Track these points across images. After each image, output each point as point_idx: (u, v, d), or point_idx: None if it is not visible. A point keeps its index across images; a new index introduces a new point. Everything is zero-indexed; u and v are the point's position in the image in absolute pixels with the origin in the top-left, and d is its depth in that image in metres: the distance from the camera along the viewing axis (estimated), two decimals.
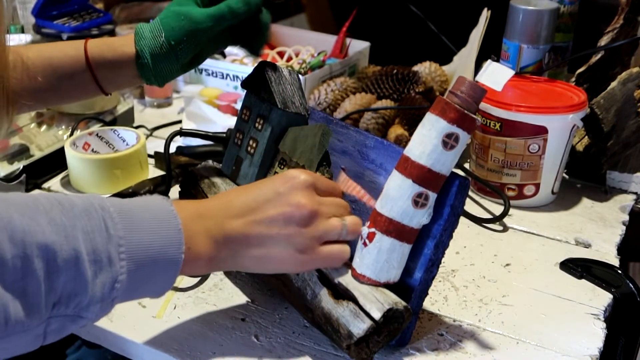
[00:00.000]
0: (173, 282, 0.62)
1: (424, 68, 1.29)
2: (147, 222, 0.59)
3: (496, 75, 0.68)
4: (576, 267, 0.89)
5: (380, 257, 0.71)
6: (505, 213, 1.01)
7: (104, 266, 0.56)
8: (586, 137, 1.09)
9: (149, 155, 1.13)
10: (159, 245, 0.59)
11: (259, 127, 0.84)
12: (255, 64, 0.89)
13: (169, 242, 0.60)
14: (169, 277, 0.61)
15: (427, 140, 0.68)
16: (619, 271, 0.86)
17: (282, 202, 0.67)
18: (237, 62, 1.38)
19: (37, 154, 1.07)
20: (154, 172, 1.12)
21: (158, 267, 0.59)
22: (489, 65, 0.69)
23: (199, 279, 0.85)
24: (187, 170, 0.93)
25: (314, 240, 0.68)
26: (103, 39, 0.88)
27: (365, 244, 0.72)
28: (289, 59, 1.39)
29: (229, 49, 1.43)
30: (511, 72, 0.69)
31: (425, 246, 0.72)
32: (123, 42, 0.84)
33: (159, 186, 1.02)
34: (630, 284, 0.84)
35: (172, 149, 1.09)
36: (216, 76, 1.37)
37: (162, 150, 1.12)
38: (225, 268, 0.70)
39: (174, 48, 0.82)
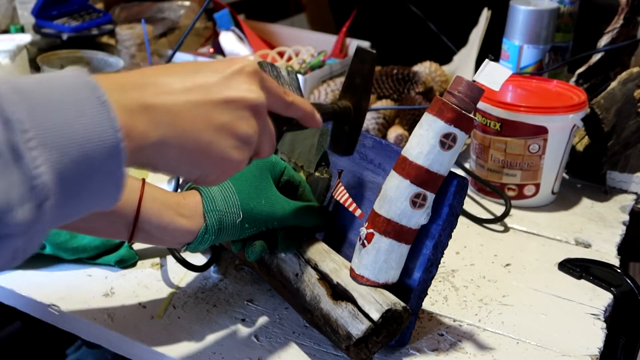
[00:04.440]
0: (121, 178, 0.47)
1: (424, 68, 1.29)
2: (57, 98, 0.44)
3: (494, 75, 0.68)
4: (575, 268, 0.89)
5: (379, 258, 0.71)
6: (506, 213, 1.01)
7: (8, 163, 0.41)
8: (586, 137, 1.09)
9: None
10: (81, 126, 0.44)
11: None
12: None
13: (97, 119, 0.45)
14: (111, 170, 0.47)
15: (424, 141, 0.68)
16: (618, 270, 0.86)
17: (227, 85, 0.56)
18: None
19: None
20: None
21: (91, 155, 0.45)
22: (487, 65, 0.69)
23: (199, 274, 0.85)
24: None
25: (240, 139, 0.56)
26: (163, 194, 0.74)
27: (363, 245, 0.72)
28: (289, 59, 1.39)
29: (230, 49, 1.43)
30: (509, 72, 0.69)
31: (424, 246, 0.72)
32: (186, 210, 0.73)
33: None
34: (630, 283, 0.84)
35: None
36: None
37: None
38: (144, 160, 0.52)
39: (244, 230, 0.74)
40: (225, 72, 0.56)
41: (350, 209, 0.75)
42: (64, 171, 0.44)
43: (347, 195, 0.76)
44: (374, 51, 0.70)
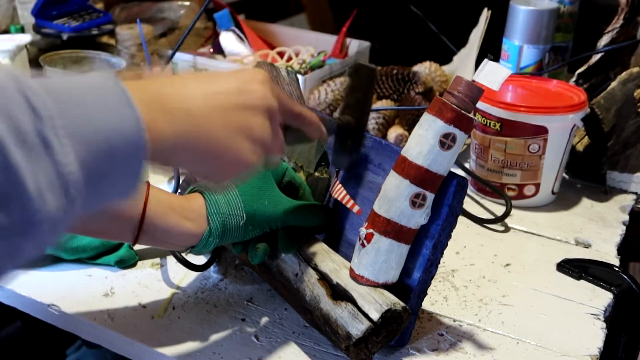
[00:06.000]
0: (141, 172, 0.49)
1: (424, 68, 1.29)
2: (84, 94, 0.46)
3: (493, 75, 0.68)
4: (573, 268, 0.89)
5: (379, 258, 0.71)
6: (507, 213, 1.01)
7: (37, 150, 0.42)
8: (586, 137, 1.09)
9: None
10: (107, 120, 0.46)
11: None
12: (254, 65, 0.88)
13: (121, 113, 0.47)
14: (133, 164, 0.48)
15: (424, 141, 0.68)
16: (617, 269, 0.87)
17: (245, 91, 0.58)
18: (238, 62, 1.38)
19: None
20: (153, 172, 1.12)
21: (115, 148, 0.46)
22: (486, 65, 0.69)
23: (199, 274, 0.85)
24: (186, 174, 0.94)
25: (255, 139, 0.58)
26: (167, 196, 0.74)
27: (363, 245, 0.72)
28: (289, 59, 1.39)
29: (230, 49, 1.43)
30: (508, 72, 0.69)
31: (424, 246, 0.72)
32: (190, 213, 0.73)
33: None
34: (630, 281, 0.84)
35: None
36: None
37: None
38: (161, 159, 0.53)
39: (247, 232, 0.75)
40: (240, 79, 0.58)
41: (348, 205, 0.75)
42: (90, 161, 0.45)
43: (344, 192, 0.76)
44: (374, 66, 0.72)
